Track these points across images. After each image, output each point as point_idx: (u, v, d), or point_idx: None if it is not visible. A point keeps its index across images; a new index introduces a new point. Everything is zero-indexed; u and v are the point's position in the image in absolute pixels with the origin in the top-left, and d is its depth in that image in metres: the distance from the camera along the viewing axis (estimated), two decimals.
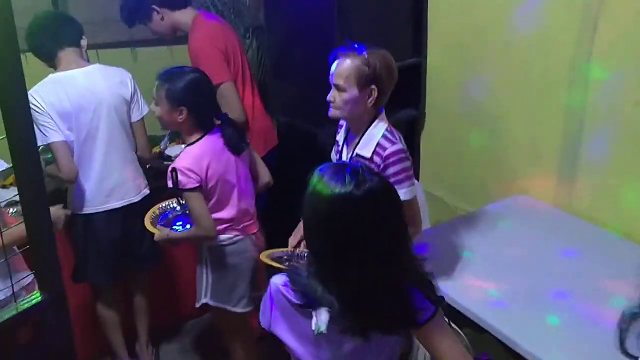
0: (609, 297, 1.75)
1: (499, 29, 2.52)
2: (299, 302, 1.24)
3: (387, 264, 1.20)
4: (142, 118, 2.40)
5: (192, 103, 2.07)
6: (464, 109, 2.79)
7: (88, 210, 2.29)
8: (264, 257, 2.04)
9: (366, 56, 1.84)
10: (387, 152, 1.87)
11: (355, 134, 1.96)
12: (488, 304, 1.91)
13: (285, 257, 2.09)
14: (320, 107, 1.95)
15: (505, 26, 2.49)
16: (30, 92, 2.14)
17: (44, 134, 2.13)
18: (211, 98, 2.16)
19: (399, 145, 1.90)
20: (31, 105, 2.08)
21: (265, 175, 2.34)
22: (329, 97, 1.90)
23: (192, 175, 2.04)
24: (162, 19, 2.58)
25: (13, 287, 1.34)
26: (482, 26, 2.58)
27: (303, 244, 2.09)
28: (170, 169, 2.06)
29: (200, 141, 2.11)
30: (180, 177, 2.03)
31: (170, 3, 2.58)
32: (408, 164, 1.92)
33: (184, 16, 2.60)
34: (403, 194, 1.90)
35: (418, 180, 2.99)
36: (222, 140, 2.13)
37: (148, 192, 2.41)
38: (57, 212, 2.04)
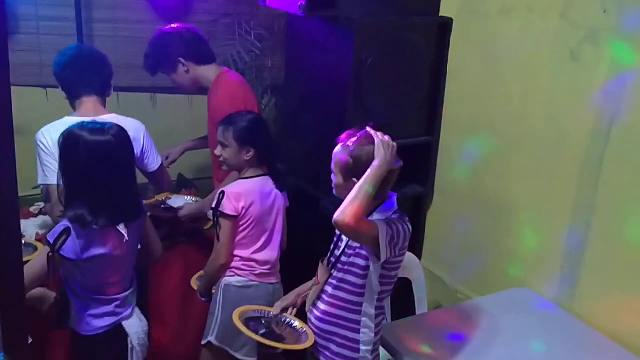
0: None
1: (512, 120, 2.51)
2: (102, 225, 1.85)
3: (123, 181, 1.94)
4: (161, 164, 2.47)
5: (257, 140, 2.26)
6: (471, 192, 2.76)
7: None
8: (236, 315, 2.01)
9: (352, 149, 1.83)
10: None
11: None
12: None
13: (264, 320, 2.06)
14: (327, 174, 1.95)
15: (518, 118, 2.49)
16: (41, 130, 2.17)
17: (45, 174, 2.14)
18: (270, 135, 2.36)
19: (404, 223, 1.84)
20: (39, 143, 2.15)
21: (282, 241, 2.44)
22: (332, 176, 1.92)
23: (234, 204, 2.20)
24: (187, 71, 2.61)
25: None
26: (495, 115, 2.58)
27: (289, 310, 2.09)
28: (220, 190, 2.24)
29: (255, 179, 2.28)
30: (224, 200, 2.19)
31: (197, 57, 2.61)
32: (394, 233, 1.78)
33: (208, 72, 2.64)
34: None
35: (420, 258, 2.94)
36: (271, 182, 2.31)
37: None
38: (45, 292, 2.01)
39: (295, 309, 2.09)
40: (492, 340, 2.13)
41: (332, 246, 2.01)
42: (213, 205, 2.23)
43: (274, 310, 2.07)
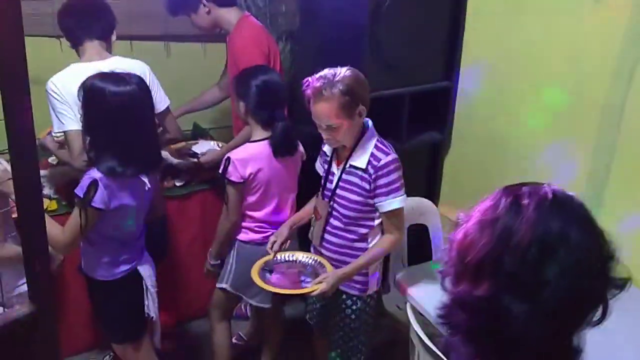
0: None
1: (533, 63, 2.45)
2: (130, 174, 1.89)
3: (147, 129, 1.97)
4: (168, 106, 2.39)
5: (245, 97, 2.19)
6: (490, 139, 2.73)
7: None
8: (256, 274, 2.05)
9: (340, 87, 1.86)
10: (381, 163, 1.94)
11: (345, 146, 2.02)
12: None
13: (285, 261, 2.15)
14: None
15: (540, 61, 2.42)
16: (51, 79, 2.17)
17: (61, 121, 2.14)
18: (270, 96, 2.21)
19: (393, 155, 1.97)
20: (51, 92, 2.14)
21: None
22: (325, 139, 1.97)
23: (240, 171, 2.16)
24: (208, 12, 2.59)
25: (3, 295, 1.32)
26: (516, 58, 2.52)
27: (286, 244, 2.19)
28: (226, 156, 2.19)
29: (262, 142, 2.21)
30: (230, 167, 2.16)
31: None
32: (400, 172, 1.98)
33: (229, 14, 2.61)
34: (398, 201, 1.97)
35: (436, 204, 2.95)
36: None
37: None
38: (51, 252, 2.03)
39: (289, 241, 2.20)
40: None
41: (322, 181, 2.11)
42: (220, 171, 2.21)
43: (275, 247, 2.14)
